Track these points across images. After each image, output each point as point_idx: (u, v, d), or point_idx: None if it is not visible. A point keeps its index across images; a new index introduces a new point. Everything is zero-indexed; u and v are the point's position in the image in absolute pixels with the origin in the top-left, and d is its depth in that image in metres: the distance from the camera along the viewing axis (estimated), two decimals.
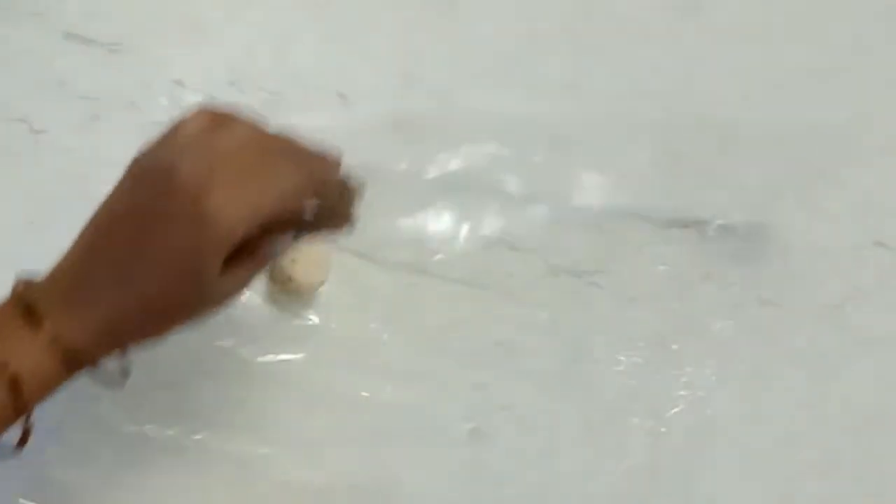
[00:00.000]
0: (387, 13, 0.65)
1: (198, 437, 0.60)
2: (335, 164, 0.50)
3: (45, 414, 0.56)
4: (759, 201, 0.67)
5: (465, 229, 0.64)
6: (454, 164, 0.64)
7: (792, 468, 0.64)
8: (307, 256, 0.60)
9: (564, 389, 0.63)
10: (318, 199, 0.48)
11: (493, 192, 0.65)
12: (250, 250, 0.47)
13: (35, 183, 0.60)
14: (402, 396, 0.61)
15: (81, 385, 0.58)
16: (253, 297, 0.61)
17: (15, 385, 0.46)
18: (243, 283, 0.48)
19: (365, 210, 0.63)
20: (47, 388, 0.47)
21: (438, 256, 0.64)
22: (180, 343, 0.59)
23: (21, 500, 0.57)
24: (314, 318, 0.61)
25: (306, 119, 0.63)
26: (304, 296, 0.61)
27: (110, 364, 0.48)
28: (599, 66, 0.67)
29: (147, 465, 0.59)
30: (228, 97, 0.62)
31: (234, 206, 0.45)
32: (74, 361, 0.47)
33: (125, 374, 0.50)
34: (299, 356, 0.61)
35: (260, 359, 0.60)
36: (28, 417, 0.48)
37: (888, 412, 0.66)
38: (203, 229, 0.45)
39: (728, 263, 0.66)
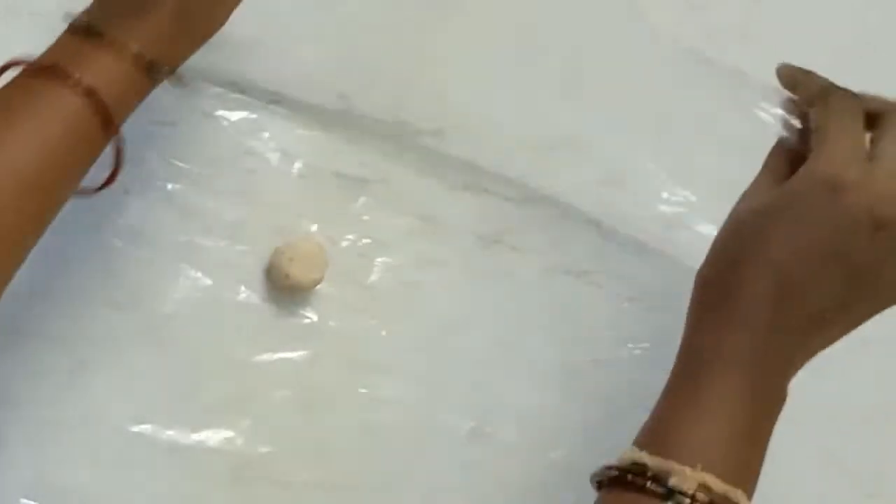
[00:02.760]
0: (387, 13, 0.65)
1: (197, 436, 0.60)
2: None
3: (45, 412, 0.57)
4: None
5: (464, 229, 0.64)
6: (453, 164, 0.64)
7: (791, 468, 0.64)
8: (304, 254, 0.60)
9: (565, 389, 0.63)
10: None
11: (492, 191, 0.65)
12: None
13: None
14: (400, 394, 0.61)
15: (81, 383, 0.59)
16: (251, 295, 0.61)
17: (93, 98, 0.44)
18: None
19: (365, 209, 0.63)
20: (128, 97, 0.46)
21: (437, 256, 0.64)
22: (179, 344, 0.60)
23: (22, 500, 0.57)
24: (312, 316, 0.61)
25: (306, 119, 0.64)
26: (302, 293, 0.61)
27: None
28: (599, 67, 0.67)
29: (147, 465, 0.59)
30: (228, 97, 0.62)
31: None
32: (151, 64, 0.46)
33: (182, 78, 0.50)
34: (298, 354, 0.61)
35: (258, 357, 0.60)
36: (117, 146, 0.47)
37: (888, 412, 0.66)
38: None
39: None
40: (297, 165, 0.63)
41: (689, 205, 0.66)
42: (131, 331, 0.56)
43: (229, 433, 0.60)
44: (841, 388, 0.66)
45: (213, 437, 0.60)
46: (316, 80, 0.64)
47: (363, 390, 0.61)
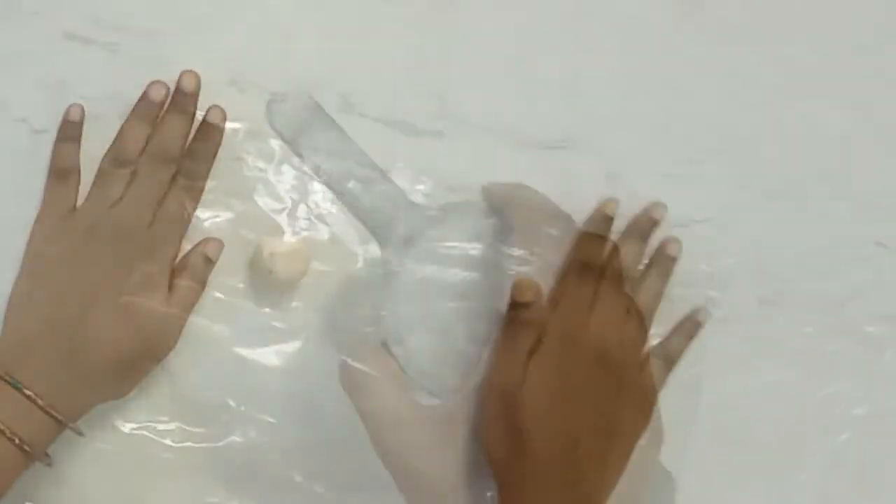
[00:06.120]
0: (387, 13, 0.65)
1: (197, 435, 0.60)
2: None
3: None
4: (758, 201, 0.67)
5: (462, 228, 0.64)
6: (453, 165, 0.64)
7: (792, 468, 0.64)
8: (285, 250, 0.60)
9: None
10: None
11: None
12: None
13: (35, 183, 0.60)
14: None
15: None
16: (237, 292, 0.61)
17: (19, 446, 0.52)
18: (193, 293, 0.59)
19: (365, 208, 0.63)
20: (39, 435, 0.54)
21: (432, 255, 0.64)
22: (178, 344, 0.60)
23: (24, 501, 0.58)
24: (298, 310, 0.61)
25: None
26: (286, 288, 0.61)
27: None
28: (599, 66, 0.67)
29: (147, 465, 0.59)
30: (228, 97, 0.62)
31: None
32: (56, 420, 0.54)
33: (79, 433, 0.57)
34: (286, 348, 0.61)
35: (249, 354, 0.61)
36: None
37: (888, 412, 0.66)
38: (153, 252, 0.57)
39: (728, 263, 0.66)
40: (296, 165, 0.63)
41: (689, 204, 0.66)
42: None
43: (227, 431, 0.60)
44: (841, 388, 0.66)
45: (211, 435, 0.60)
46: (316, 80, 0.64)
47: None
